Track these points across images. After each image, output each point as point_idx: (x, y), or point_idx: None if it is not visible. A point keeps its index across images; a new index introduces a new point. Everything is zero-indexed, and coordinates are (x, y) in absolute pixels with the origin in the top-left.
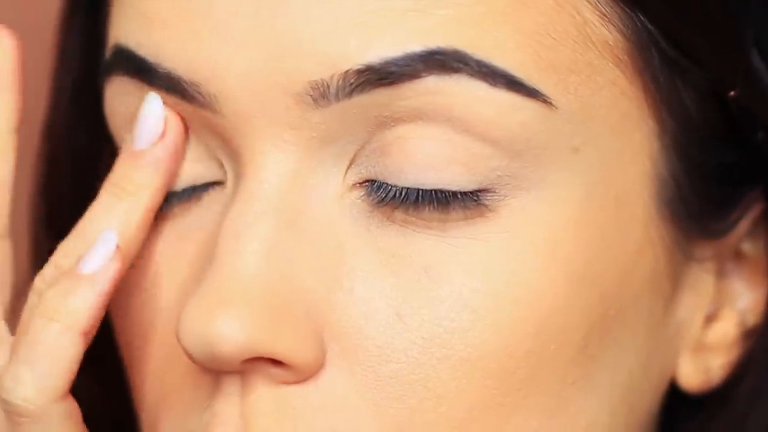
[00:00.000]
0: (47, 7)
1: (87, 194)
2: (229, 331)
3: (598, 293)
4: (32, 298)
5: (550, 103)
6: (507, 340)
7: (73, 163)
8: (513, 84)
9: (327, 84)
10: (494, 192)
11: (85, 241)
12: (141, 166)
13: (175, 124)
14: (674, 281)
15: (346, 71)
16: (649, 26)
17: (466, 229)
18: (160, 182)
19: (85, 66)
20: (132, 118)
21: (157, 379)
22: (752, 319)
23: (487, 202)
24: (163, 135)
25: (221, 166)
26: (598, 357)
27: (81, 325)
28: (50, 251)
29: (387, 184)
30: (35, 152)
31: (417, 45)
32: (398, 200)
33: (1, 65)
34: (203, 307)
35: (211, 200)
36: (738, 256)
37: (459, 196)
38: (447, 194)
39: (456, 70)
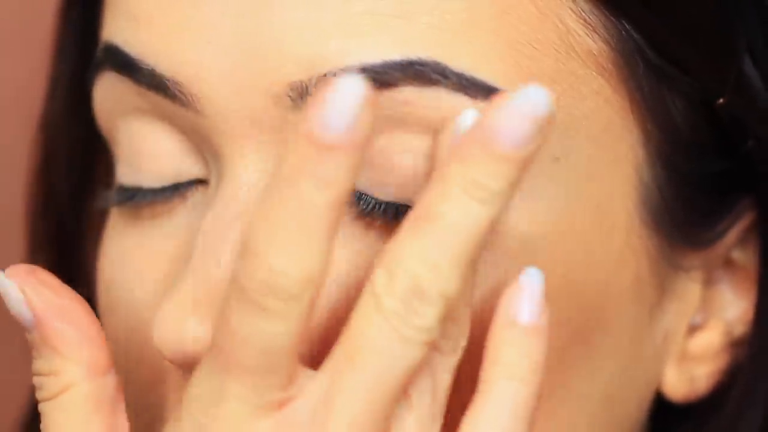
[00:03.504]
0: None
1: (82, 185)
2: (200, 333)
3: (577, 303)
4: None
5: None
6: (482, 350)
7: (68, 154)
8: (493, 95)
9: (305, 86)
10: None
11: None
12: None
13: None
14: (660, 290)
15: (325, 74)
16: (634, 34)
17: None
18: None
19: (81, 59)
20: (122, 113)
21: (136, 379)
22: (740, 328)
23: None
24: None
25: (206, 164)
26: (577, 366)
27: None
28: (46, 241)
29: (368, 195)
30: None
31: (397, 54)
32: (378, 212)
33: None
34: (175, 310)
35: (196, 200)
36: (728, 264)
37: None
38: None
39: (434, 83)
